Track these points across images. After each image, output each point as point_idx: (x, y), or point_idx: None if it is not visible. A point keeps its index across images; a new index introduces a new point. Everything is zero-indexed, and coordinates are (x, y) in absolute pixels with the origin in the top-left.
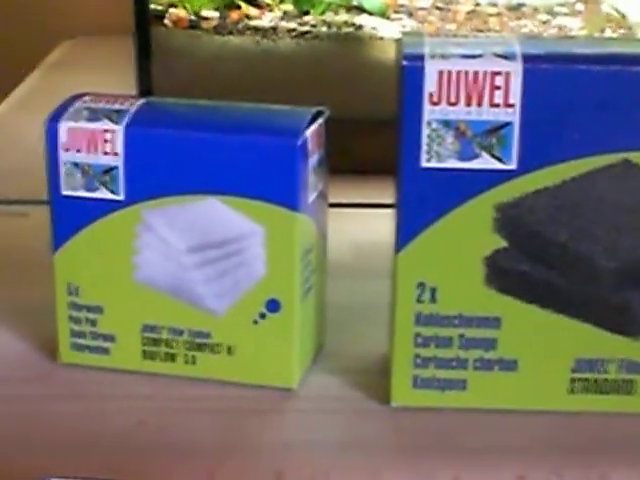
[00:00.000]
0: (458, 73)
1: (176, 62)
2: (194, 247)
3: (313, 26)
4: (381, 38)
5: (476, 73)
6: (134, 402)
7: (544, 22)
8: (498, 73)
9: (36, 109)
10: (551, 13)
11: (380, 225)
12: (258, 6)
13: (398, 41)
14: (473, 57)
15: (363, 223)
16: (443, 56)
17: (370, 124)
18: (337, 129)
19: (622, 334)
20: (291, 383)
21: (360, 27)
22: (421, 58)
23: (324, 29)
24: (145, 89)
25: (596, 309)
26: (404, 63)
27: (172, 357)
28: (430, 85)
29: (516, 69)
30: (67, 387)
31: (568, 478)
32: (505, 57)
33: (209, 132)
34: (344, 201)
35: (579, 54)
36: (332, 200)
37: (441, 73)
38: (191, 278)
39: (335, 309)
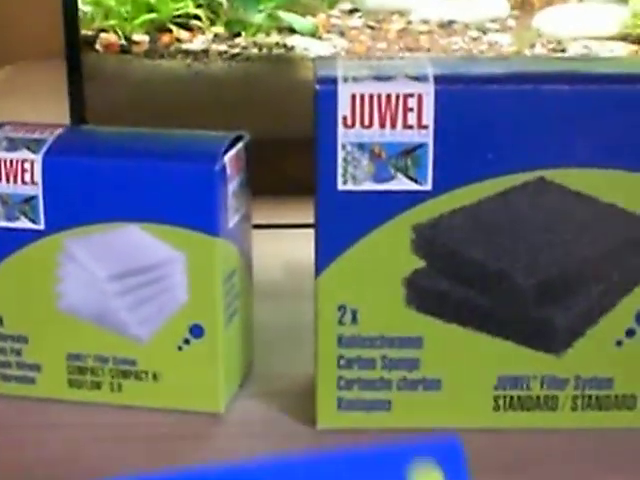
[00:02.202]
0: (371, 96)
1: (108, 87)
2: (116, 275)
3: (244, 48)
4: (313, 58)
5: (389, 95)
6: (61, 431)
7: (475, 39)
8: (410, 95)
9: None
10: (482, 30)
11: (310, 245)
12: (189, 29)
13: (314, 65)
14: (385, 79)
15: (293, 243)
16: (355, 79)
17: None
18: (273, 150)
19: (544, 351)
20: (217, 408)
21: (292, 48)
22: (334, 81)
23: (255, 51)
24: (77, 114)
25: (517, 326)
26: (317, 87)
27: (98, 385)
28: (343, 108)
29: (428, 90)
30: None
31: None
32: (417, 79)
33: (127, 160)
34: (274, 222)
35: (491, 74)
36: (262, 221)
37: (354, 96)
38: (114, 306)
39: (263, 331)
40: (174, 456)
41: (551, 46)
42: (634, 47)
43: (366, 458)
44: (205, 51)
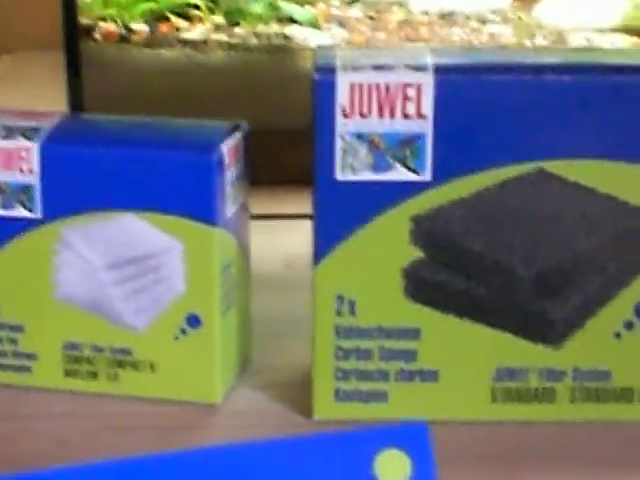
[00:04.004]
0: (370, 85)
1: (107, 76)
2: (113, 264)
3: (244, 38)
4: (312, 49)
5: (388, 85)
6: (56, 421)
7: (475, 30)
8: (409, 85)
9: None
10: (482, 21)
11: (308, 236)
12: (188, 18)
13: (313, 54)
14: (385, 69)
15: (291, 234)
16: (354, 68)
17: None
18: (271, 140)
19: (541, 342)
20: (214, 399)
21: (291, 38)
22: (332, 71)
23: (255, 41)
24: (76, 103)
25: (515, 318)
26: (315, 76)
27: (94, 375)
28: (342, 98)
29: (427, 80)
30: None
31: None
32: (416, 68)
33: (125, 148)
34: (272, 212)
35: (491, 64)
36: (260, 211)
37: (353, 86)
38: (110, 295)
39: (261, 322)
40: (169, 446)
41: (552, 38)
42: (635, 39)
43: (335, 442)
44: (204, 41)
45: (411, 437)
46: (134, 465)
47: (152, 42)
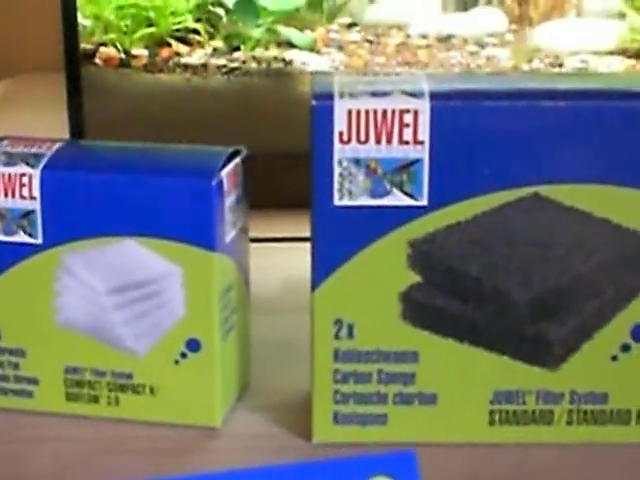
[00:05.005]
0: (367, 112)
1: (107, 100)
2: (113, 289)
3: (243, 62)
4: (311, 73)
5: (385, 111)
6: (59, 445)
7: (473, 53)
8: (406, 111)
9: None
10: (480, 44)
11: (307, 259)
12: (188, 43)
13: (310, 80)
14: (381, 95)
15: (290, 257)
16: (352, 95)
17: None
18: (270, 164)
19: (539, 365)
20: (214, 422)
21: (290, 62)
22: (330, 97)
23: (254, 65)
24: (76, 127)
25: (512, 341)
26: (313, 103)
27: (95, 398)
28: (340, 124)
29: (424, 106)
30: None
31: None
32: (413, 95)
33: (125, 174)
34: (271, 235)
35: (486, 90)
36: (259, 235)
37: (350, 112)
38: (111, 319)
39: (261, 345)
40: (170, 470)
41: (549, 60)
42: (632, 61)
43: (328, 468)
44: (204, 65)
45: (400, 464)
46: None
47: (152, 67)
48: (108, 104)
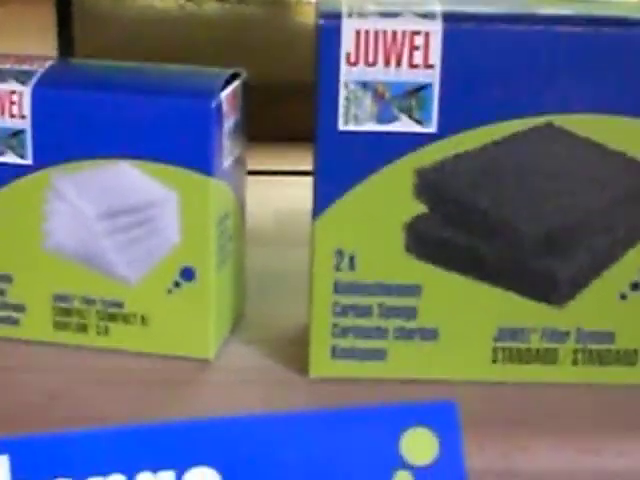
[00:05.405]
0: (376, 32)
1: (99, 26)
2: (105, 214)
3: None
4: (309, 2)
5: (394, 32)
6: (45, 375)
7: None
8: (417, 33)
9: None
10: None
11: (302, 192)
12: None
13: (317, 1)
14: (392, 16)
15: (285, 190)
16: (361, 15)
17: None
18: (265, 95)
19: (545, 302)
20: (207, 354)
21: None
22: (338, 17)
23: None
24: (66, 54)
25: (519, 277)
26: (320, 22)
27: (84, 328)
28: (347, 45)
29: (436, 29)
30: None
31: (489, 450)
32: (425, 16)
33: (120, 93)
34: (266, 168)
35: (501, 14)
36: (255, 167)
37: (358, 32)
38: (102, 246)
39: (255, 277)
40: (161, 402)
41: None
42: None
43: (361, 417)
44: None
45: (440, 416)
46: (134, 432)
47: None
48: (99, 30)
